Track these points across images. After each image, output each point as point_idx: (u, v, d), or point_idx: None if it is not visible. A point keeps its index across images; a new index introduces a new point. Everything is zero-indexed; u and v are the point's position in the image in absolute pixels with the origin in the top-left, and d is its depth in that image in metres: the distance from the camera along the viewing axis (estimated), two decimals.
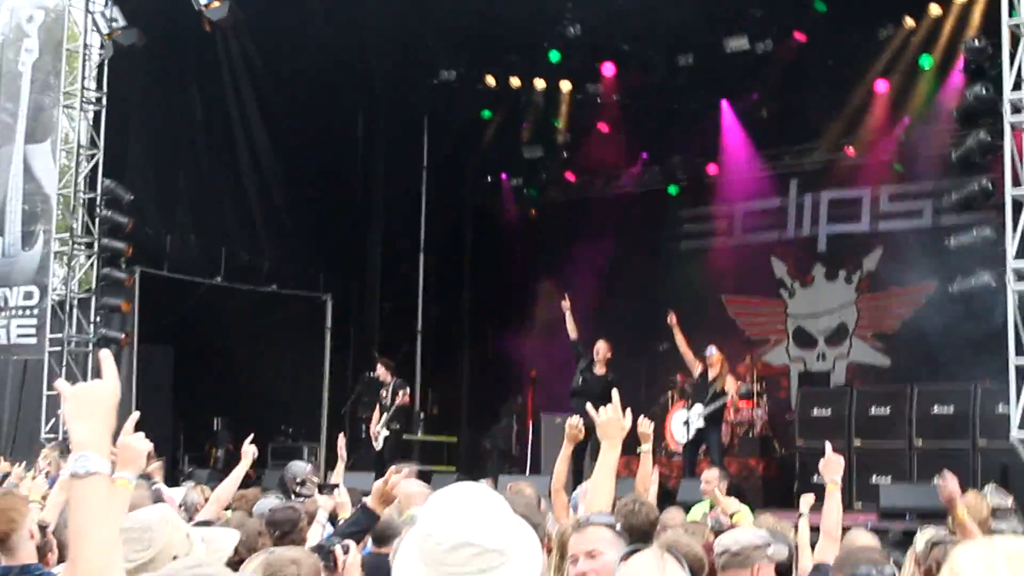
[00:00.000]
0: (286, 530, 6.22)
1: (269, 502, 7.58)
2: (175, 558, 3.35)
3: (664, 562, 2.93)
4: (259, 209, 18.14)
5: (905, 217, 17.86)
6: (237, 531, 4.04)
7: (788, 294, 18.89)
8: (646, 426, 7.06)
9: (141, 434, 4.43)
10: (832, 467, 6.11)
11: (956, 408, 13.98)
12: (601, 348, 14.61)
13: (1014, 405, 10.95)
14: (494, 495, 2.47)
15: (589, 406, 5.19)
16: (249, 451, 8.49)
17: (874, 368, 17.75)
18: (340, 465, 9.98)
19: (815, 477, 14.48)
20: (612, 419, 4.86)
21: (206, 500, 8.23)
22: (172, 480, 13.87)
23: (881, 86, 16.99)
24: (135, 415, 4.49)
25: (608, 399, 4.98)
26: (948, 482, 6.20)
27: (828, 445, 6.33)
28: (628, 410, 5.06)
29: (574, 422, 6.34)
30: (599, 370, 14.53)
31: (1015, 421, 10.90)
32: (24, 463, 11.38)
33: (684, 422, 14.54)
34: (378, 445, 15.74)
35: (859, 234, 18.31)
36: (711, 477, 10.39)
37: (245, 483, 8.49)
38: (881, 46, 16.47)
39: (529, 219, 20.88)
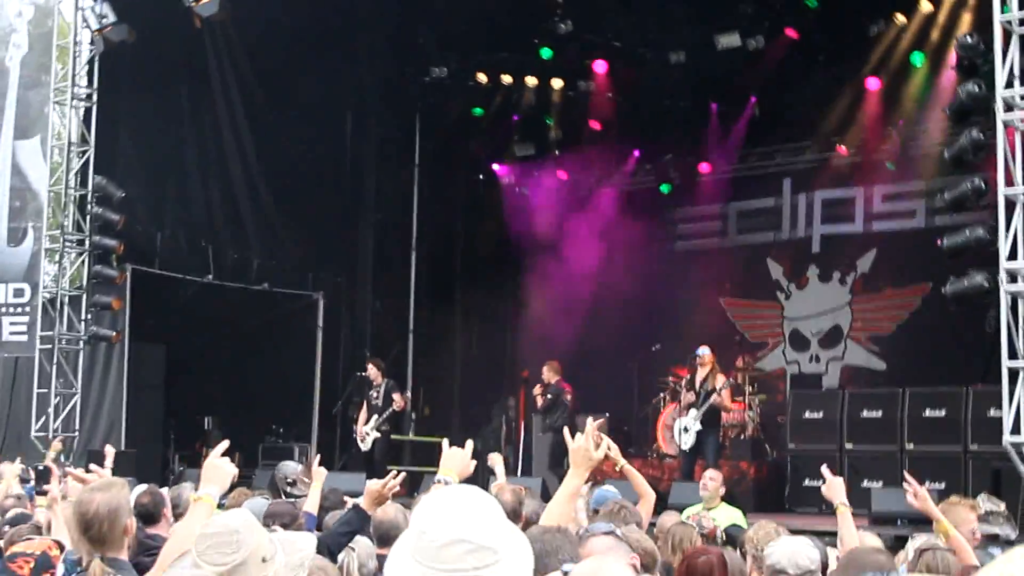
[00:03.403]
0: (285, 522, 6.17)
1: (256, 502, 7.51)
2: (264, 560, 3.30)
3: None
4: (248, 207, 18.05)
5: (898, 217, 17.79)
6: (314, 536, 3.96)
7: (784, 296, 18.82)
8: (615, 452, 6.92)
9: (227, 459, 4.62)
10: (835, 491, 5.98)
11: (948, 412, 13.90)
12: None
13: (1007, 409, 10.85)
14: (487, 496, 2.44)
15: (570, 432, 5.07)
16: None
17: (868, 371, 17.67)
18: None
19: (806, 480, 14.52)
20: (581, 447, 4.73)
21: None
22: (162, 480, 13.85)
23: (873, 84, 16.90)
24: (225, 443, 4.76)
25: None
26: (914, 490, 6.05)
27: (825, 470, 6.18)
28: (605, 440, 5.06)
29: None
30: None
31: (1008, 425, 10.81)
32: (18, 460, 11.28)
33: (683, 429, 14.47)
34: (365, 446, 15.66)
35: (853, 235, 18.24)
36: (715, 475, 10.39)
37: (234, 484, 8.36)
38: (872, 43, 16.39)
39: (521, 217, 20.73)
